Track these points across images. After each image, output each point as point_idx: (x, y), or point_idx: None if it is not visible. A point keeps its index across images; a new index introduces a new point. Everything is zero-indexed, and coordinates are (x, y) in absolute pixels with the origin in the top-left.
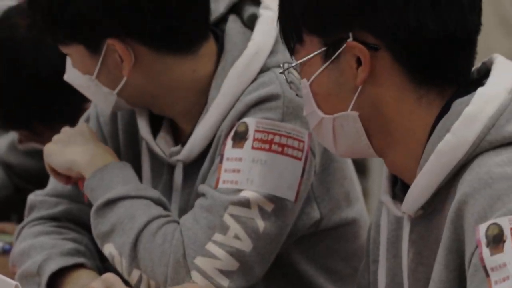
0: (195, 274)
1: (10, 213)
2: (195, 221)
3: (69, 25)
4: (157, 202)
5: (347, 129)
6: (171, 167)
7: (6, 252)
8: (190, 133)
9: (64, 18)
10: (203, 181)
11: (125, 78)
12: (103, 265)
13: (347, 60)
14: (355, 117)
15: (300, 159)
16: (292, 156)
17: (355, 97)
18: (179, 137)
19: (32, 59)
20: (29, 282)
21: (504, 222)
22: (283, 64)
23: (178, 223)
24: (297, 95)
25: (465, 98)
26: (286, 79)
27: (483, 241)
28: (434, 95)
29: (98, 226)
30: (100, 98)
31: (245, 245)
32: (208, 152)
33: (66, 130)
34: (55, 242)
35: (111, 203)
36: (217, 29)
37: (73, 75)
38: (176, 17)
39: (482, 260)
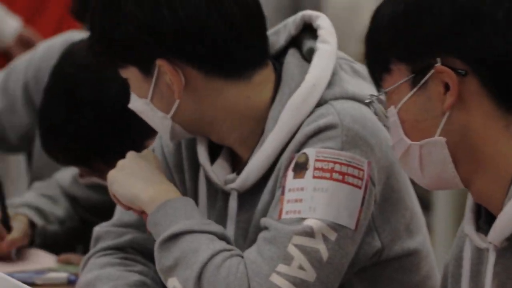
0: None
1: (75, 245)
2: (259, 254)
3: (120, 46)
4: (221, 237)
5: (434, 157)
6: (226, 195)
7: (72, 282)
8: (247, 162)
9: (115, 39)
10: (263, 214)
11: (177, 102)
12: None
13: (435, 86)
14: (443, 143)
15: (360, 187)
16: (352, 185)
17: (442, 123)
18: (237, 165)
19: (93, 97)
20: None
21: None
22: (370, 96)
23: (242, 256)
24: (384, 125)
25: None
26: (375, 111)
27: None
28: None
29: (161, 260)
30: (157, 123)
31: (309, 275)
32: (266, 184)
33: (131, 156)
34: (120, 274)
35: (174, 237)
36: (277, 62)
37: (132, 100)
38: (223, 41)
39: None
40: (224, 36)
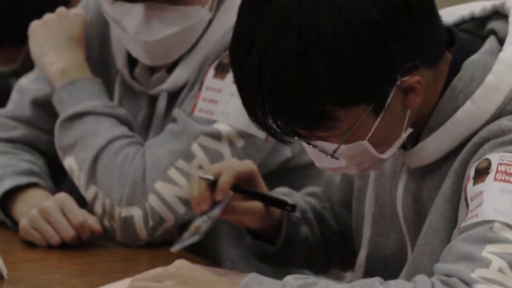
0: (152, 198)
1: None
2: (162, 145)
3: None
4: (124, 122)
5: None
6: (152, 99)
7: None
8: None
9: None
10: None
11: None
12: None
13: (395, 97)
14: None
15: None
16: None
17: (406, 120)
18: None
19: None
20: None
21: (494, 157)
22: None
23: (142, 145)
24: None
25: (476, 59)
26: None
27: (472, 175)
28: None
29: (62, 138)
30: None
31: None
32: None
33: (58, 13)
34: (10, 162)
35: (77, 117)
36: None
37: None
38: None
39: (465, 191)
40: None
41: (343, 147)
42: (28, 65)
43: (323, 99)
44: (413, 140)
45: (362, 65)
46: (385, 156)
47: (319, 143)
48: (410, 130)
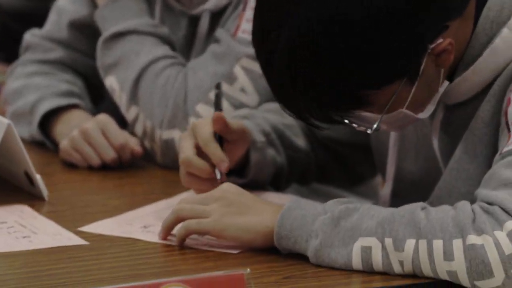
0: (193, 121)
1: None
2: (204, 67)
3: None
4: (166, 41)
5: None
6: (193, 19)
7: None
8: None
9: None
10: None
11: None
12: None
13: (428, 62)
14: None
15: None
16: None
17: (441, 77)
18: None
19: None
20: (21, 121)
21: None
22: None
23: (184, 66)
24: None
25: None
26: None
27: None
28: None
29: (103, 57)
30: None
31: (250, 99)
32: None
33: None
34: (50, 83)
35: (119, 36)
36: None
37: None
38: None
39: (505, 115)
40: None
41: (382, 117)
42: None
43: (357, 85)
44: (448, 77)
45: (391, 46)
46: (425, 114)
47: (356, 119)
48: (446, 83)
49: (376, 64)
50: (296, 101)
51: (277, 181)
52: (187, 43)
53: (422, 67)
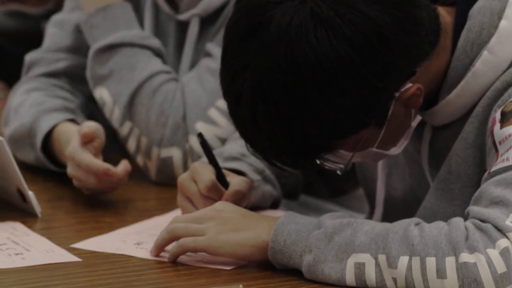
0: (193, 139)
1: None
2: (200, 84)
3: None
4: (157, 53)
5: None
6: (181, 25)
7: None
8: None
9: None
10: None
11: None
12: None
13: (396, 106)
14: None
15: None
16: None
17: (412, 115)
18: None
19: None
20: (21, 145)
21: None
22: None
23: (177, 81)
24: None
25: (482, 6)
26: None
27: (498, 118)
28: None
29: (94, 67)
30: None
31: None
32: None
33: None
34: (45, 99)
35: (112, 48)
36: None
37: None
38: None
39: (492, 135)
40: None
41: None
42: (62, 6)
43: (321, 136)
44: (431, 99)
45: (352, 99)
46: (397, 150)
47: (326, 159)
48: (419, 118)
49: (337, 117)
50: (263, 147)
51: (271, 207)
52: (177, 47)
53: (390, 113)
